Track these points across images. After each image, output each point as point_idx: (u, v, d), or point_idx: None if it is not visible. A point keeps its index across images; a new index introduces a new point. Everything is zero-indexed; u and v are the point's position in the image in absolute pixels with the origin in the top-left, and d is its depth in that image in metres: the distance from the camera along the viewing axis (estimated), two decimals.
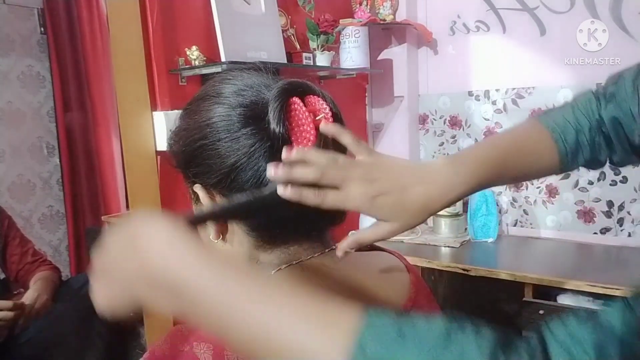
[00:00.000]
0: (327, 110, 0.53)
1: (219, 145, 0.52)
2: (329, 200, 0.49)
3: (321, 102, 0.53)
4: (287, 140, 0.50)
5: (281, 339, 0.36)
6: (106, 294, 0.42)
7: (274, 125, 0.50)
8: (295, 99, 0.52)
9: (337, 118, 0.54)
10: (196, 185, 0.55)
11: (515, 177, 0.64)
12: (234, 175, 0.52)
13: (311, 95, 0.53)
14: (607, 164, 0.68)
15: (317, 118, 0.52)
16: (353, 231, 1.94)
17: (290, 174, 0.48)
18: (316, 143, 0.51)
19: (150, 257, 0.38)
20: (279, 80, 0.55)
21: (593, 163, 0.67)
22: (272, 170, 0.48)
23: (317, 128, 0.51)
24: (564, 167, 0.66)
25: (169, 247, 0.38)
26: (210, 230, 0.56)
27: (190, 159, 0.55)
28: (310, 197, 0.49)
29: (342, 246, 0.53)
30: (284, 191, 0.48)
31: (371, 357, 0.34)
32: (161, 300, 0.38)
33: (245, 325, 0.36)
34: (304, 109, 0.52)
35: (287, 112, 0.51)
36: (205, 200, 0.55)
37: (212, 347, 0.47)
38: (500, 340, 0.33)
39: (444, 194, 0.53)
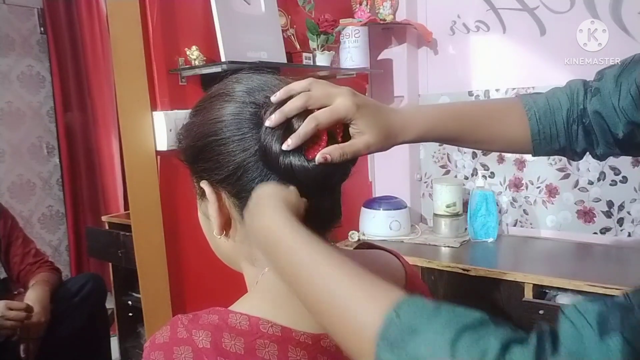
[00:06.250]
0: None
1: (228, 142, 0.53)
2: (321, 116, 0.52)
3: None
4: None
5: (332, 292, 0.43)
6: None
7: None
8: None
9: (346, 126, 0.56)
10: (203, 181, 0.56)
11: (478, 140, 0.69)
12: (241, 173, 0.53)
13: None
14: (595, 159, 0.70)
15: None
16: (353, 231, 1.96)
17: (283, 111, 0.51)
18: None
19: (262, 227, 0.49)
20: (289, 82, 0.56)
21: (569, 152, 0.70)
22: (268, 122, 0.51)
23: (327, 134, 0.53)
24: (537, 147, 0.69)
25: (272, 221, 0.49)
26: (214, 226, 0.57)
27: (199, 154, 0.56)
28: (307, 126, 0.51)
29: (324, 151, 0.52)
30: (286, 145, 0.50)
31: (403, 321, 0.38)
32: (268, 253, 0.50)
33: (308, 279, 0.45)
34: None
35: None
36: (211, 196, 0.56)
37: (211, 335, 0.49)
38: (517, 334, 0.36)
39: (403, 130, 0.64)
